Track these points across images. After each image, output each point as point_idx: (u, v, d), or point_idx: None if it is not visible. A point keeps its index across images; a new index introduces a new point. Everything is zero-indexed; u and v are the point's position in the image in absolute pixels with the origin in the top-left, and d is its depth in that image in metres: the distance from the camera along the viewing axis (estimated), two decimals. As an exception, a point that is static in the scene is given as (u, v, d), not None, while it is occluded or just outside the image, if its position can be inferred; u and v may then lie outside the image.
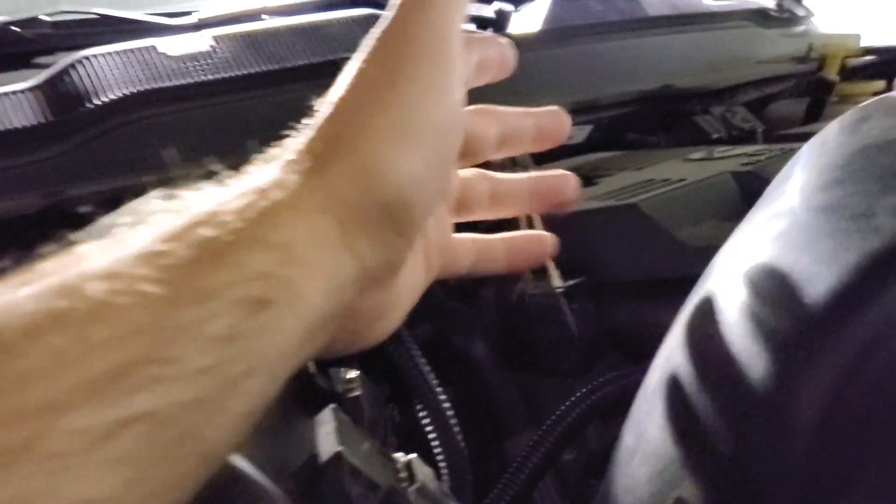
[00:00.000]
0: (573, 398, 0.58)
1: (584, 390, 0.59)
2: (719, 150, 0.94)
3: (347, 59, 0.99)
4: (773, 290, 0.32)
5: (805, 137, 0.45)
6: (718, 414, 0.31)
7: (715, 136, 1.16)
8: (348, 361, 0.50)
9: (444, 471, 0.46)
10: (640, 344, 0.61)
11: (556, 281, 0.74)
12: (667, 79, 1.22)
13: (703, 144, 1.09)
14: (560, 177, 0.51)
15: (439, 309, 0.87)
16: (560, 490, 0.64)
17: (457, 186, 0.47)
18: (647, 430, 0.35)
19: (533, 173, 0.45)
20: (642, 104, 1.20)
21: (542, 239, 0.51)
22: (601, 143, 1.18)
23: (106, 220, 0.81)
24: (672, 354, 0.36)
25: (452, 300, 0.86)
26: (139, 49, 0.92)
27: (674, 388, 0.34)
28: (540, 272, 0.74)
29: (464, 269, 0.49)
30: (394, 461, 0.41)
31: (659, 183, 0.75)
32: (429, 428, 0.47)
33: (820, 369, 0.28)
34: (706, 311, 0.36)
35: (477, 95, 1.10)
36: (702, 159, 0.90)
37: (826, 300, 0.29)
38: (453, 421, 0.46)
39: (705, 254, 0.42)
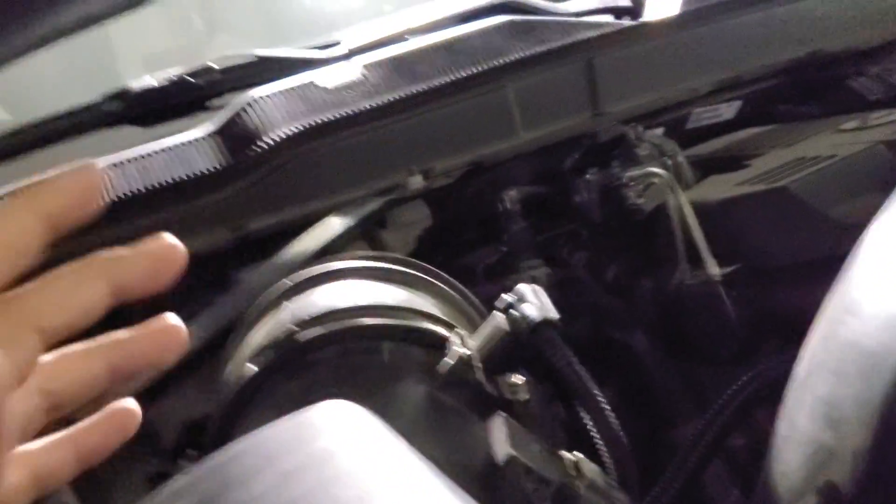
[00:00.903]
0: (736, 385, 0.60)
1: (747, 376, 0.60)
2: (875, 116, 0.92)
3: (491, 68, 1.04)
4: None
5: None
6: (862, 400, 0.33)
7: (872, 98, 1.12)
8: (514, 367, 0.55)
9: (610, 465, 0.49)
10: (800, 327, 0.61)
11: (713, 269, 0.75)
12: (816, 44, 1.17)
13: (858, 109, 1.05)
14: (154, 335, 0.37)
15: (597, 304, 0.90)
16: (731, 473, 0.65)
17: None
18: (797, 419, 0.37)
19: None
20: (791, 74, 1.17)
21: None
22: (751, 117, 1.16)
23: (289, 248, 0.89)
24: (817, 346, 0.38)
25: (610, 294, 0.89)
26: (299, 86, 1.00)
27: (819, 377, 0.36)
28: (696, 261, 0.76)
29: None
30: (563, 459, 0.45)
31: (809, 161, 0.74)
32: (591, 428, 0.50)
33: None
34: (847, 301, 0.37)
35: (593, 89, 1.11)
36: (855, 129, 0.88)
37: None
38: (614, 420, 0.50)
39: (859, 231, 0.43)
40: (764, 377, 0.59)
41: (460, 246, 0.98)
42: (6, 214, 0.33)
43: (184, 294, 0.90)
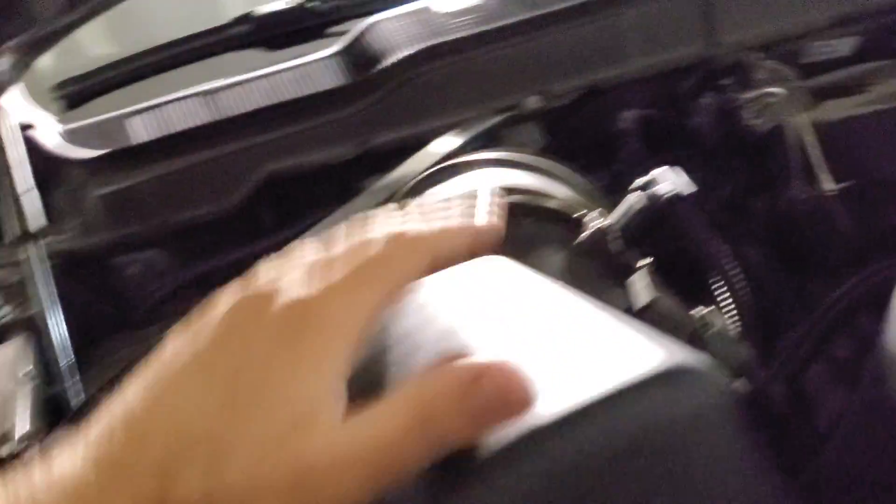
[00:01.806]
0: (842, 288, 0.61)
1: (853, 280, 0.61)
2: None
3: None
4: None
5: None
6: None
7: None
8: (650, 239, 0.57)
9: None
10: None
11: (827, 184, 0.76)
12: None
13: None
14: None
15: (709, 221, 0.91)
16: (833, 376, 0.66)
17: None
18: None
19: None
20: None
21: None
22: (870, 52, 1.14)
23: (406, 164, 0.94)
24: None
25: (723, 213, 0.90)
26: (418, 10, 1.04)
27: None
28: (810, 180, 0.77)
29: None
30: (694, 312, 0.48)
31: (932, 82, 0.74)
32: (720, 291, 0.53)
33: None
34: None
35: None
36: None
37: None
38: (741, 283, 0.52)
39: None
40: (870, 281, 0.60)
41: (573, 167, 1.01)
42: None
43: (312, 201, 0.96)
